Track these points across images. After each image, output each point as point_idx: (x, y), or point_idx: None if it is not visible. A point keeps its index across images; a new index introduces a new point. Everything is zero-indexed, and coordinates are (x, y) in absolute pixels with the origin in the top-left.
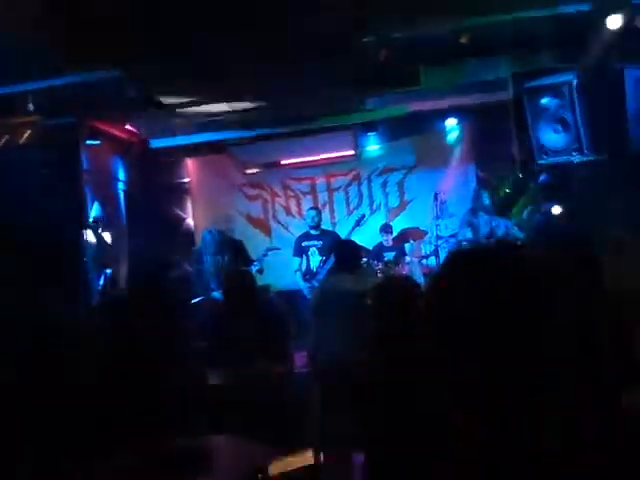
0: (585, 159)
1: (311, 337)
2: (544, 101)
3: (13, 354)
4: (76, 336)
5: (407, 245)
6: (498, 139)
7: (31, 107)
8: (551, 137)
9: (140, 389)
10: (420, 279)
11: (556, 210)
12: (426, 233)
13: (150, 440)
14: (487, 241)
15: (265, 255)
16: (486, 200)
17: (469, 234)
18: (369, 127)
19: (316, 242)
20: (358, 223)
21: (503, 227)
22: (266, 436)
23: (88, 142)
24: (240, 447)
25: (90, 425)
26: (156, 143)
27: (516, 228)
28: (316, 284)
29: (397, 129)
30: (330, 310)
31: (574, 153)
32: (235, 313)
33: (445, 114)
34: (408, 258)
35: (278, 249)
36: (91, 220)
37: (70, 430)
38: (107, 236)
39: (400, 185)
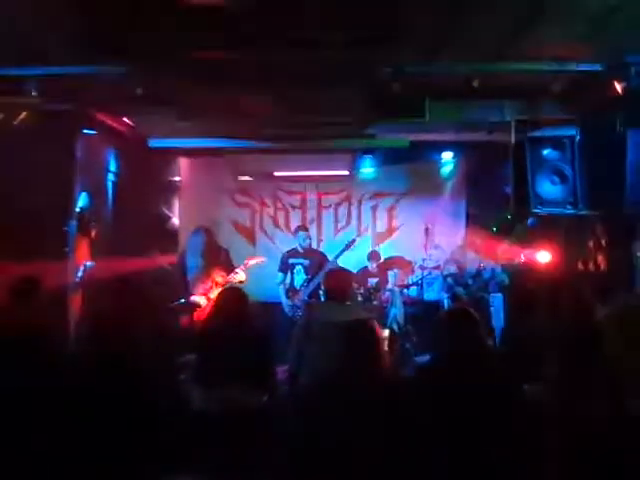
0: (578, 213)
1: (292, 359)
2: (545, 152)
3: None
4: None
5: (390, 273)
6: (491, 178)
7: (33, 90)
8: (548, 188)
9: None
10: (400, 308)
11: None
12: (410, 262)
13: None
14: (472, 280)
15: (247, 265)
16: (478, 241)
17: (453, 269)
18: (366, 149)
19: (303, 260)
20: (348, 247)
21: (490, 270)
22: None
23: (84, 131)
24: None
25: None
26: (154, 143)
27: (505, 275)
28: (298, 303)
29: (393, 155)
30: (317, 337)
31: (568, 206)
32: (223, 331)
33: (442, 147)
34: (390, 286)
35: (261, 260)
36: (78, 210)
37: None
38: (92, 227)
39: (390, 211)
